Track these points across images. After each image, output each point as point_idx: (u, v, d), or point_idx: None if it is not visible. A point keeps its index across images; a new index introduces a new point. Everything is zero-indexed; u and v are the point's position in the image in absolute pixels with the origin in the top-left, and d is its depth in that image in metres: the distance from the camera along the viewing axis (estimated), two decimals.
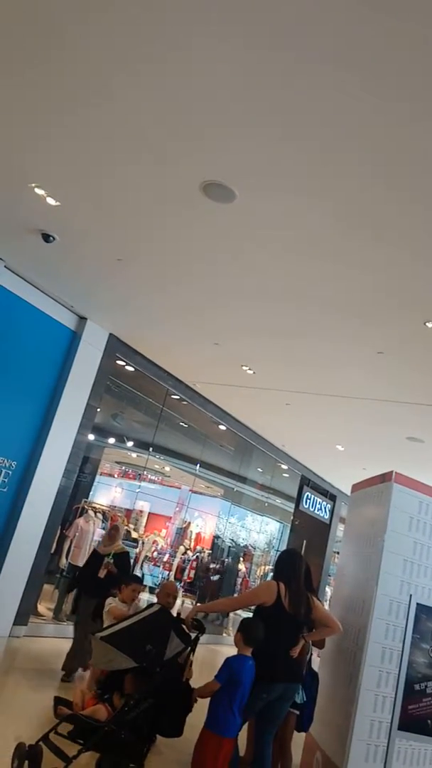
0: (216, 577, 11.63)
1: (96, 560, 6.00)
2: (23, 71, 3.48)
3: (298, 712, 4.28)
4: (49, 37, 3.18)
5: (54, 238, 5.49)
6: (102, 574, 5.77)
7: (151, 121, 3.61)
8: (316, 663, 4.83)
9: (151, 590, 9.52)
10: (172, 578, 10.35)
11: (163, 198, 4.42)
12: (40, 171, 4.51)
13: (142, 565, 9.83)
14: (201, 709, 3.67)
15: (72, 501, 8.10)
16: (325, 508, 14.90)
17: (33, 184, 4.66)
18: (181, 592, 10.55)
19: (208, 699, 3.64)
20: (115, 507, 10.36)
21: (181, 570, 10.74)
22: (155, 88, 3.33)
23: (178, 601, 5.16)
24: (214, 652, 8.45)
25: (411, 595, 4.34)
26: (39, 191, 4.72)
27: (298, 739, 4.54)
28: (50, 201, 4.83)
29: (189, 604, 10.64)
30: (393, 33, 2.60)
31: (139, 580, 5.32)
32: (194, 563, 11.13)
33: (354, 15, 2.57)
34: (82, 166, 4.31)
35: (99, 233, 5.28)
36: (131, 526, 10.42)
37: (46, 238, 5.48)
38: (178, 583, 10.47)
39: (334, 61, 2.82)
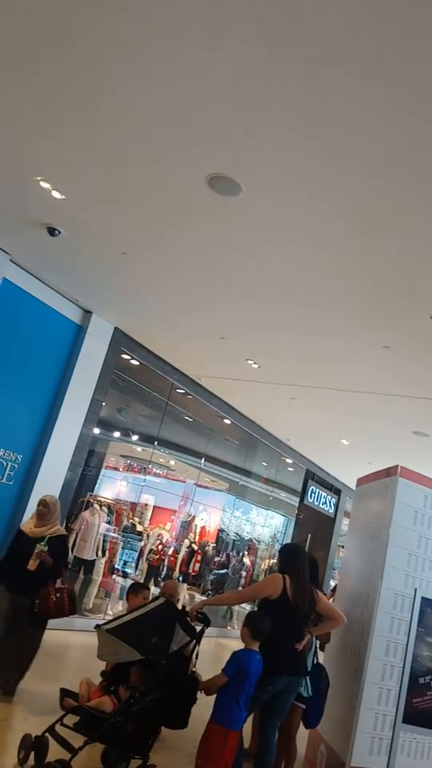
0: (223, 571, 11.66)
1: (23, 546, 4.64)
2: (32, 67, 3.47)
3: (304, 706, 4.29)
4: (60, 36, 3.16)
5: (59, 232, 5.48)
6: (33, 565, 4.47)
7: (157, 114, 3.60)
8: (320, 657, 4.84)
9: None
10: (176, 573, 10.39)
11: (169, 191, 4.41)
12: (46, 164, 4.50)
13: (147, 558, 9.84)
14: (205, 700, 3.69)
15: (77, 494, 8.13)
16: (329, 502, 14.90)
17: (38, 178, 4.65)
18: (185, 587, 10.58)
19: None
20: (120, 500, 10.40)
21: (186, 563, 10.76)
22: (162, 83, 3.31)
23: (185, 596, 5.06)
24: (220, 646, 8.49)
25: (416, 589, 4.35)
26: (44, 185, 4.71)
27: (302, 732, 4.55)
28: (56, 194, 4.82)
29: (198, 597, 10.71)
30: (394, 33, 2.58)
31: (147, 587, 4.92)
32: (199, 556, 11.15)
33: (356, 17, 2.57)
34: (87, 160, 4.30)
35: (104, 227, 5.27)
36: (136, 519, 10.45)
37: (52, 231, 5.47)
38: (182, 577, 10.52)
39: (336, 60, 2.81)
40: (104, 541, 8.45)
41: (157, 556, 9.96)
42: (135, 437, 10.93)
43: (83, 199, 4.88)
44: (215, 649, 8.15)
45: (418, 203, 3.75)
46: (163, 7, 2.83)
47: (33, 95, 3.73)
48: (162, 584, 4.83)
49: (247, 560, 12.56)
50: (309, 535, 14.08)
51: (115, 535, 8.77)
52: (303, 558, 4.19)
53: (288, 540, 13.87)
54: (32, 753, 3.38)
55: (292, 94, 3.14)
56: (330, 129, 3.32)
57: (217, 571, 11.52)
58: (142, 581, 7.70)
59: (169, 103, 3.48)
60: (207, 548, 11.72)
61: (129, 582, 8.35)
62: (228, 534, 12.87)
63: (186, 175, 4.12)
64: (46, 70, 3.48)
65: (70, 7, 2.97)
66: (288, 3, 2.63)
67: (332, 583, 11.61)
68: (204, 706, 3.68)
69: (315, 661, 4.43)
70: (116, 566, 8.73)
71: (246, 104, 3.31)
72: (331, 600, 5.20)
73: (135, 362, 8.67)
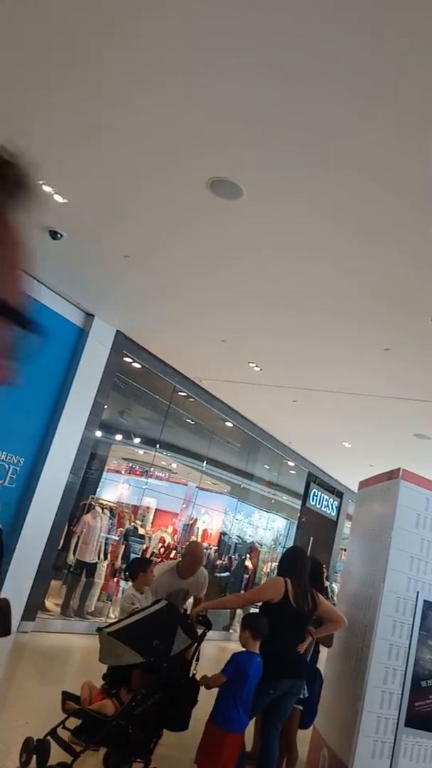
0: (225, 574, 11.64)
1: None
2: (37, 75, 3.49)
3: (301, 707, 4.29)
4: (65, 46, 3.18)
5: (61, 236, 5.50)
6: None
7: (159, 118, 3.61)
8: (322, 662, 4.83)
9: None
10: None
11: (171, 195, 4.42)
12: (47, 168, 4.51)
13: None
14: (205, 702, 3.69)
15: (79, 497, 8.13)
16: (332, 505, 14.88)
17: (40, 182, 4.66)
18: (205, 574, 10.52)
19: (215, 694, 3.66)
20: (122, 503, 10.39)
21: None
22: (164, 89, 3.33)
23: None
24: (221, 649, 8.48)
25: (418, 592, 4.34)
26: (46, 188, 4.73)
27: (304, 735, 4.55)
28: (57, 198, 4.83)
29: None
30: (392, 43, 2.59)
31: (151, 561, 4.87)
32: None
33: (354, 29, 2.58)
34: (89, 164, 4.32)
35: (106, 230, 5.29)
36: (138, 522, 10.44)
37: (54, 235, 5.49)
38: None
39: (335, 69, 2.82)
40: (106, 544, 8.45)
41: (159, 560, 9.95)
42: (137, 440, 10.93)
43: (85, 203, 4.89)
44: (217, 653, 8.14)
45: (417, 208, 3.76)
46: (167, 17, 2.84)
47: (36, 102, 3.75)
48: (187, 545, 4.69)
49: (249, 563, 12.53)
50: (311, 539, 14.06)
51: (117, 537, 8.75)
52: (304, 561, 4.19)
53: (290, 543, 13.86)
54: (34, 756, 3.38)
55: (293, 100, 3.15)
56: (330, 134, 3.33)
57: (218, 574, 11.50)
58: None
59: (171, 108, 3.49)
60: (209, 551, 11.70)
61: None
62: (230, 537, 12.85)
63: (187, 179, 4.14)
64: (51, 78, 3.50)
65: (75, 18, 2.99)
66: (289, 15, 2.65)
67: (335, 587, 11.59)
68: (204, 708, 3.68)
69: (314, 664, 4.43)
70: (118, 569, 8.72)
71: (247, 109, 3.32)
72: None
73: (137, 365, 8.68)
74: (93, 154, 4.19)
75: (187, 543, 4.72)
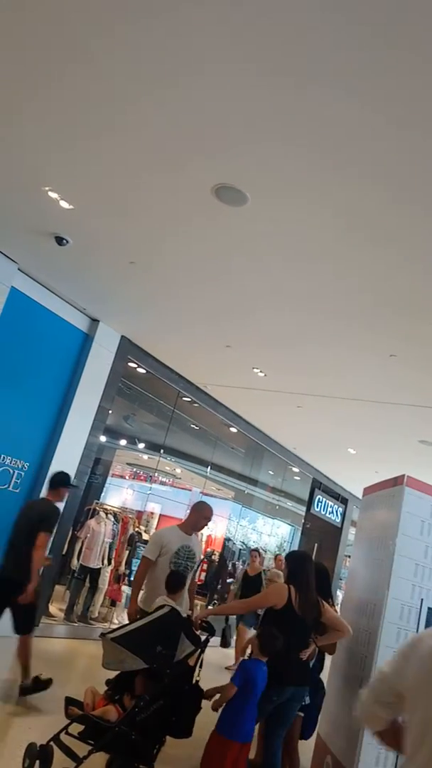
0: (230, 581, 11.62)
1: None
2: (42, 81, 3.51)
3: (303, 714, 4.27)
4: (70, 52, 3.21)
5: (67, 242, 5.52)
6: None
7: (164, 125, 3.63)
8: (325, 670, 4.81)
9: None
10: None
11: (176, 201, 4.44)
12: (54, 175, 4.55)
13: None
14: (209, 709, 3.68)
15: (83, 502, 8.15)
16: (336, 511, 14.85)
17: (46, 188, 4.69)
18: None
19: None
20: (126, 509, 10.39)
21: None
22: (169, 96, 3.35)
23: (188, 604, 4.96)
24: (225, 656, 8.44)
25: (422, 600, 4.32)
26: (52, 195, 4.76)
27: (308, 742, 4.53)
28: (64, 204, 4.86)
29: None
30: (395, 48, 2.61)
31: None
32: (204, 565, 11.11)
33: (359, 35, 2.59)
34: (95, 171, 4.34)
35: (112, 236, 5.31)
36: (142, 527, 10.44)
37: (60, 241, 5.52)
38: None
39: (337, 74, 2.84)
40: (110, 549, 8.45)
41: None
42: (141, 445, 10.96)
43: (91, 209, 4.92)
44: (221, 659, 8.11)
45: (424, 214, 3.76)
46: (169, 24, 2.87)
47: (42, 108, 3.78)
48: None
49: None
50: (316, 545, 14.03)
51: (121, 541, 8.75)
52: (308, 567, 4.17)
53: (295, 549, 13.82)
54: (37, 762, 3.38)
55: (298, 106, 3.16)
56: (335, 140, 3.34)
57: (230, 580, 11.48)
58: None
59: (176, 114, 3.51)
60: (213, 557, 11.68)
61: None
62: (234, 543, 12.83)
63: (193, 185, 4.15)
64: (56, 84, 3.52)
65: (80, 25, 3.02)
66: (293, 21, 2.66)
67: (339, 594, 11.55)
68: (210, 715, 3.67)
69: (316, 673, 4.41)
70: (122, 574, 8.71)
71: (252, 115, 3.34)
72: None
73: (141, 370, 8.70)
74: (99, 162, 4.21)
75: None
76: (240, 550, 12.92)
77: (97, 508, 8.49)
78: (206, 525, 4.87)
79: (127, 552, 8.84)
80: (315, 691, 4.35)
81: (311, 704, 4.31)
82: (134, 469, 12.39)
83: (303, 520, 14.01)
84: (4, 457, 6.67)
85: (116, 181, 4.41)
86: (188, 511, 5.00)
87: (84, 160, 4.24)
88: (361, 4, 2.51)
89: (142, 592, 4.53)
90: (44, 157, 4.34)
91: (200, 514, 4.76)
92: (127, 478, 12.42)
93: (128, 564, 8.78)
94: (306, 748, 4.48)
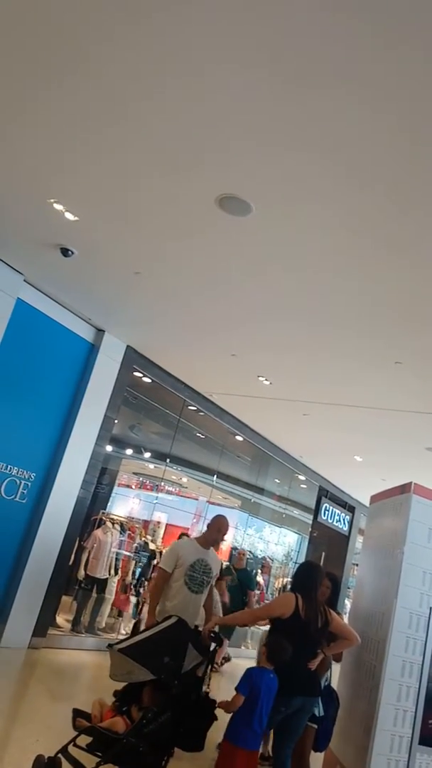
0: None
1: None
2: (45, 93, 3.55)
3: (316, 726, 4.23)
4: (73, 63, 3.25)
5: (72, 253, 5.56)
6: None
7: (168, 136, 3.66)
8: (334, 679, 4.78)
9: None
10: None
11: (180, 211, 4.47)
12: (59, 187, 4.58)
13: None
14: (220, 722, 3.66)
15: (90, 512, 8.14)
16: (343, 519, 14.78)
17: (51, 200, 4.73)
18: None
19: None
20: (132, 518, 10.37)
21: None
22: (172, 107, 3.38)
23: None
24: (233, 665, 8.40)
25: (431, 608, 4.29)
26: (57, 207, 4.79)
27: (318, 754, 4.48)
28: (69, 216, 4.90)
29: None
30: (404, 56, 2.62)
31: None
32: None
33: (365, 41, 2.61)
34: (99, 183, 4.37)
35: (117, 247, 5.34)
36: (149, 537, 10.42)
37: (65, 252, 5.56)
38: None
39: (342, 81, 2.86)
40: (117, 559, 8.42)
41: None
42: (147, 454, 10.95)
43: (96, 220, 4.95)
44: (229, 669, 8.07)
45: (427, 221, 3.77)
46: (171, 32, 2.90)
47: (46, 120, 3.82)
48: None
49: (260, 578, 12.44)
50: (323, 554, 13.96)
51: (128, 553, 8.73)
52: (316, 577, 4.15)
53: (303, 558, 13.76)
54: None
55: (302, 115, 3.19)
56: (340, 149, 3.36)
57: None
58: None
59: (179, 125, 3.54)
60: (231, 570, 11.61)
61: (141, 600, 8.34)
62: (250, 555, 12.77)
63: (196, 197, 4.18)
64: (59, 96, 3.56)
65: (82, 35, 3.06)
66: (298, 28, 2.68)
67: (347, 603, 11.48)
68: (221, 729, 3.66)
69: (328, 683, 4.37)
70: (129, 584, 8.67)
71: (255, 125, 3.36)
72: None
73: (147, 379, 8.71)
74: (104, 174, 4.25)
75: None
76: (247, 559, 12.86)
77: (104, 517, 8.47)
78: (221, 539, 4.81)
79: (134, 562, 8.81)
80: (329, 702, 4.31)
81: (325, 716, 4.27)
82: (140, 479, 12.38)
83: (310, 529, 13.95)
84: (10, 468, 6.69)
85: (121, 193, 4.44)
86: (193, 520, 4.98)
87: (89, 173, 4.28)
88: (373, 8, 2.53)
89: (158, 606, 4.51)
90: (49, 169, 4.38)
91: (213, 528, 4.75)
92: (133, 487, 12.41)
93: (134, 574, 8.74)
94: (317, 759, 4.43)
